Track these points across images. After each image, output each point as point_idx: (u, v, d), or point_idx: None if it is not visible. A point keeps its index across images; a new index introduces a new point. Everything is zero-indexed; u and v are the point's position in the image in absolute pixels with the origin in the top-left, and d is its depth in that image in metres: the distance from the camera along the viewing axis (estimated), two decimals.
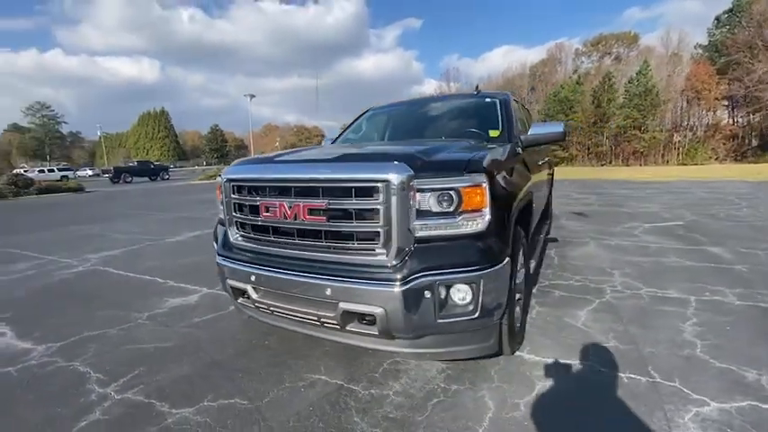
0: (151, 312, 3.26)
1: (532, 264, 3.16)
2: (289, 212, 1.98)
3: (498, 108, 3.25)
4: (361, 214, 1.84)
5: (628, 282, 3.68)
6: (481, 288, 1.80)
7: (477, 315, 1.83)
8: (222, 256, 2.32)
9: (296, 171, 2.07)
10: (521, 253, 2.43)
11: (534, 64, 50.30)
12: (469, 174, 1.82)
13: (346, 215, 1.87)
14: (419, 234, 1.80)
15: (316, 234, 1.96)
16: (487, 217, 1.84)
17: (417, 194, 1.78)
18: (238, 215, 2.25)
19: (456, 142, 2.54)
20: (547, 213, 5.22)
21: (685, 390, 2.02)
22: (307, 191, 1.95)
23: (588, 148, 36.33)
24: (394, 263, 1.80)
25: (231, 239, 2.33)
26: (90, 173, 48.09)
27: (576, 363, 2.30)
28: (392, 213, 1.78)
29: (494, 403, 1.95)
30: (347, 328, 1.91)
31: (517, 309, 2.56)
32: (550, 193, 5.46)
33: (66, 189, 18.81)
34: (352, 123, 4.00)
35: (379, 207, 1.79)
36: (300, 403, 2.00)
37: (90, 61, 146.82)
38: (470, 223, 1.81)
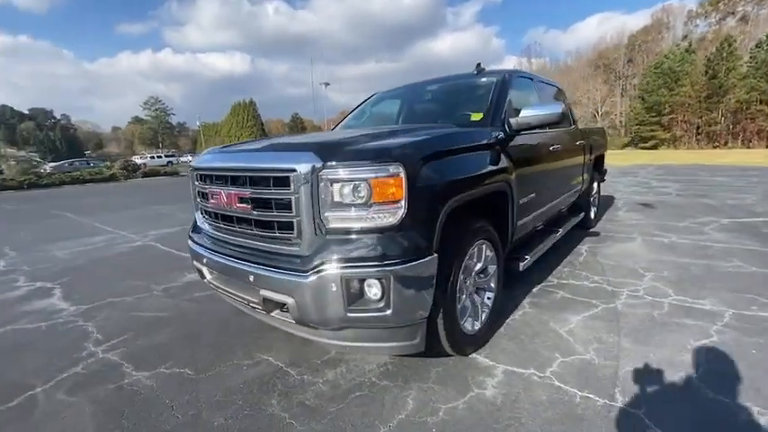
0: (167, 285, 3.68)
1: (528, 260, 2.87)
2: (225, 200, 2.07)
3: (491, 89, 2.95)
4: (278, 204, 1.85)
5: (656, 287, 3.16)
6: (391, 284, 1.70)
7: (389, 312, 1.74)
8: (190, 238, 2.52)
9: (229, 161, 2.14)
10: (477, 249, 2.23)
11: (634, 32, 44.17)
12: (381, 164, 1.70)
13: (266, 204, 1.90)
14: (331, 225, 1.76)
15: (247, 222, 2.02)
16: (403, 210, 1.71)
17: (328, 185, 1.73)
18: (199, 201, 2.41)
19: (404, 128, 2.38)
20: (582, 205, 4.67)
21: (648, 421, 1.70)
22: (237, 180, 2.02)
23: (697, 128, 31.17)
24: (306, 253, 1.79)
25: (198, 223, 2.52)
26: (190, 158, 54.75)
27: (529, 373, 2.07)
28: (302, 204, 1.76)
29: (414, 404, 1.86)
30: (272, 314, 1.96)
31: (484, 310, 2.39)
32: (590, 183, 4.85)
33: (164, 174, 21.79)
34: (355, 109, 3.96)
35: (291, 197, 1.78)
36: (236, 380, 2.12)
37: (193, 58, 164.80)
38: (383, 216, 1.71)
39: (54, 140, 70.97)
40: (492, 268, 2.46)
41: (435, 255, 1.82)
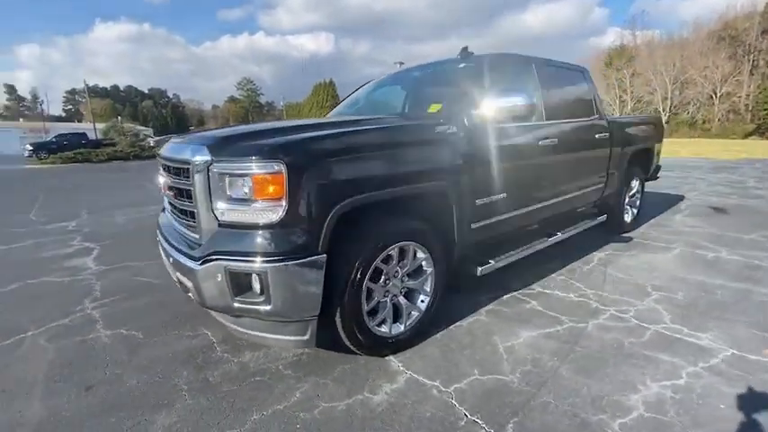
0: None
1: (491, 264, 2.66)
2: (163, 186, 2.25)
3: (458, 77, 2.70)
4: (185, 193, 1.97)
5: (654, 310, 2.71)
6: (269, 281, 1.72)
7: (269, 307, 1.77)
8: (158, 223, 2.79)
9: (165, 151, 2.28)
10: (399, 251, 2.13)
11: None
12: (263, 161, 1.70)
13: (180, 193, 2.03)
14: (222, 218, 1.82)
15: (172, 207, 2.19)
16: (283, 208, 1.71)
17: (218, 179, 1.79)
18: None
19: (319, 122, 2.27)
20: (608, 206, 4.11)
21: None
22: (168, 168, 2.18)
23: None
24: (202, 242, 1.89)
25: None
26: None
27: (431, 385, 1.96)
28: (198, 194, 1.85)
29: (300, 398, 1.89)
30: (188, 295, 2.12)
31: (413, 313, 2.30)
32: (623, 181, 4.22)
33: None
34: (349, 95, 3.90)
35: (189, 188, 1.88)
36: (170, 349, 2.35)
37: (282, 40, 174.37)
38: (264, 212, 1.73)
39: (166, 117, 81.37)
40: (428, 271, 2.33)
41: (323, 255, 1.79)
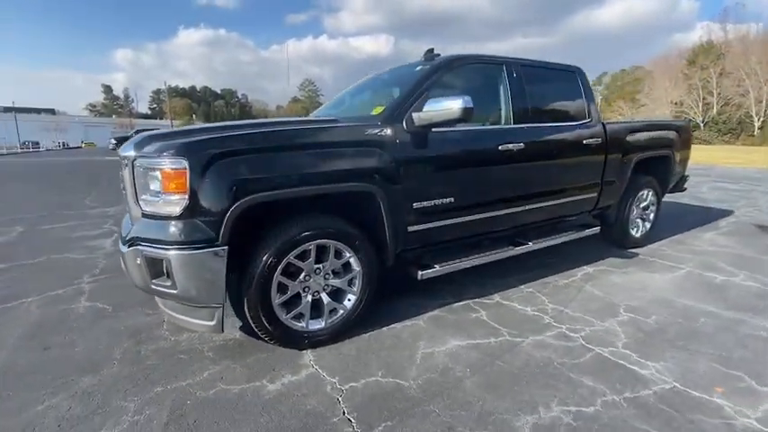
0: None
1: (434, 269, 2.63)
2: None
3: (410, 80, 2.68)
4: (128, 184, 2.19)
5: (611, 332, 2.50)
6: (172, 267, 1.89)
7: (176, 292, 1.94)
8: None
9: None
10: (318, 248, 2.19)
11: None
12: (170, 158, 1.87)
13: (124, 185, 2.27)
14: (144, 208, 2.02)
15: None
16: (185, 201, 1.86)
17: (139, 173, 1.99)
18: None
19: (240, 124, 2.35)
20: (609, 217, 3.82)
21: None
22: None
23: None
24: (133, 227, 2.11)
25: None
26: None
27: (329, 381, 2.00)
28: (127, 186, 2.07)
29: (206, 377, 2.03)
30: None
31: (337, 311, 2.36)
32: (628, 192, 3.87)
33: None
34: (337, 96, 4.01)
35: (127, 180, 2.11)
36: (125, 323, 2.62)
37: (344, 42, 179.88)
38: (170, 205, 1.89)
39: (234, 116, 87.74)
40: (355, 270, 2.37)
41: (223, 247, 1.92)
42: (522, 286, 3.24)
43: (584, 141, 3.34)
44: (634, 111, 50.18)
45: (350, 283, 2.39)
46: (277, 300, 2.13)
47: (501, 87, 2.97)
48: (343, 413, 1.78)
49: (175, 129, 2.33)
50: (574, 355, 2.24)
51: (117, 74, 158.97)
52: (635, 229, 4.19)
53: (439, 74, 2.71)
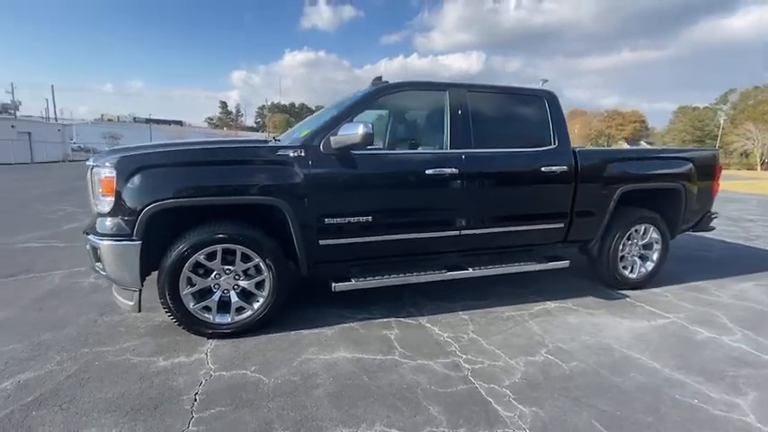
0: None
1: (350, 283, 2.79)
2: None
3: (350, 104, 2.89)
4: None
5: (507, 371, 2.38)
6: (102, 254, 2.38)
7: (106, 274, 2.43)
8: None
9: None
10: (225, 252, 2.52)
11: None
12: (105, 168, 2.38)
13: None
14: (93, 206, 2.57)
15: None
16: (112, 203, 2.35)
17: (93, 179, 2.53)
18: None
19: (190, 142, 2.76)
20: (594, 253, 3.54)
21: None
22: None
23: None
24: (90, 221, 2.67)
25: None
26: None
27: (208, 368, 2.29)
28: (88, 188, 2.64)
29: (124, 347, 2.47)
30: None
31: (244, 309, 2.66)
32: (614, 226, 3.52)
33: None
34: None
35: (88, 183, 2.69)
36: (105, 299, 3.25)
37: (433, 60, 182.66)
38: (104, 204, 2.39)
39: None
40: (264, 275, 2.65)
41: (137, 241, 2.36)
42: (462, 312, 3.18)
43: (543, 169, 3.17)
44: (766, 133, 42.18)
45: (258, 286, 2.67)
46: (185, 291, 2.51)
47: (441, 113, 3.02)
48: (195, 394, 2.06)
49: (126, 146, 2.88)
50: (446, 385, 2.21)
51: (232, 91, 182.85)
52: (630, 269, 3.75)
53: (367, 101, 2.89)
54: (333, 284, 2.79)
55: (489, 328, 2.92)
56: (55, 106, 45.49)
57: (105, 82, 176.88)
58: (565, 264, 3.43)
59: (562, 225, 3.36)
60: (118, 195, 2.35)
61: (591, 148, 3.86)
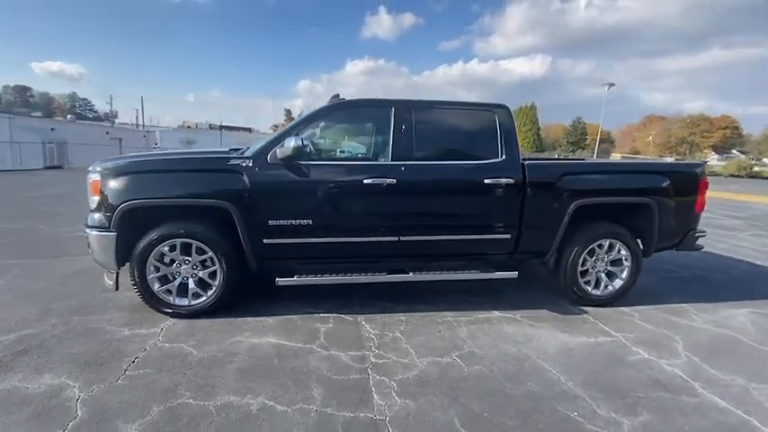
0: None
1: (292, 279, 3.16)
2: None
3: (302, 119, 3.26)
4: None
5: (408, 367, 2.57)
6: (89, 241, 2.99)
7: (94, 258, 3.04)
8: None
9: None
10: (181, 246, 3.01)
11: None
12: (93, 173, 2.98)
13: None
14: (89, 204, 3.19)
15: None
16: (97, 201, 2.94)
17: (88, 181, 3.15)
18: None
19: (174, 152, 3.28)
20: (560, 269, 3.55)
21: None
22: None
23: None
24: None
25: None
26: None
27: (157, 340, 2.78)
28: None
29: (101, 317, 3.06)
30: None
31: (200, 295, 3.14)
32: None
33: None
34: None
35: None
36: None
37: (494, 65, 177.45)
38: (92, 203, 3.00)
39: None
40: (216, 266, 3.10)
41: (113, 232, 2.92)
42: (403, 314, 3.38)
43: (487, 181, 3.27)
44: None
45: (212, 276, 3.13)
46: (151, 275, 3.03)
47: (386, 127, 3.27)
48: (135, 358, 2.54)
49: (117, 156, 3.51)
50: (342, 373, 2.46)
51: (296, 100, 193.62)
52: (594, 285, 3.65)
53: (315, 118, 3.24)
54: (277, 279, 3.16)
55: (419, 330, 3.10)
56: (143, 115, 51.98)
57: (188, 92, 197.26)
58: (513, 274, 3.46)
59: (509, 236, 3.41)
60: (102, 195, 2.94)
61: (544, 160, 3.81)
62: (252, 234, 3.07)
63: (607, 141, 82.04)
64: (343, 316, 3.30)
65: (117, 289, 3.16)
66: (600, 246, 3.58)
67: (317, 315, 3.29)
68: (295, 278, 3.18)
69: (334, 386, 2.32)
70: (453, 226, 3.35)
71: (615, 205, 3.58)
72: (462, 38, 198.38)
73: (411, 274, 3.32)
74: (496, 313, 3.46)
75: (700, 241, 3.92)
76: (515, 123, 3.48)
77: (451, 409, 2.15)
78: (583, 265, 3.59)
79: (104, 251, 2.98)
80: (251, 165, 3.04)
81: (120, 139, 30.61)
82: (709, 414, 2.19)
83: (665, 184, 3.58)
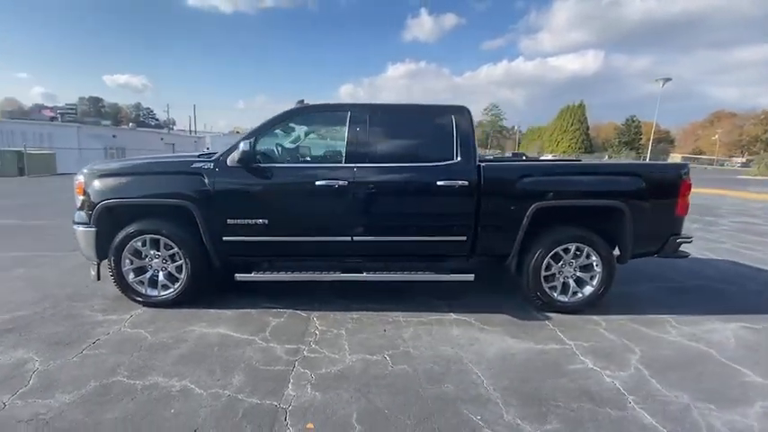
0: None
1: (250, 275, 3.38)
2: None
3: (257, 126, 3.45)
4: None
5: (334, 362, 2.66)
6: (76, 236, 3.39)
7: (81, 250, 3.44)
8: None
9: None
10: (150, 241, 3.32)
11: None
12: (78, 176, 3.37)
13: None
14: (76, 203, 3.59)
15: None
16: (81, 200, 3.33)
17: (75, 182, 3.56)
18: None
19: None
20: (525, 275, 3.50)
21: None
22: None
23: None
24: None
25: None
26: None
27: (126, 327, 3.09)
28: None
29: (86, 304, 3.44)
30: None
31: (167, 287, 3.44)
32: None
33: None
34: None
35: None
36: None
37: (541, 63, 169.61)
38: (78, 202, 3.39)
39: None
40: (182, 261, 3.37)
41: (93, 227, 3.29)
42: (356, 312, 3.46)
43: (440, 183, 3.27)
44: None
45: (179, 270, 3.41)
46: (125, 267, 3.37)
47: (342, 130, 3.39)
48: (97, 340, 2.85)
49: (100, 161, 3.89)
50: (269, 364, 2.61)
51: None
52: (560, 291, 3.51)
53: (279, 122, 3.43)
54: (236, 275, 3.38)
55: (365, 328, 3.17)
56: (195, 121, 55.99)
57: (238, 99, 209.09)
58: (469, 277, 3.43)
59: (465, 238, 3.38)
60: (85, 195, 3.33)
61: (503, 162, 3.71)
62: (212, 232, 3.31)
63: (666, 141, 75.91)
64: (298, 312, 3.44)
65: (99, 279, 3.53)
66: (566, 250, 3.44)
67: (275, 310, 3.46)
68: (252, 274, 3.38)
69: (257, 375, 2.47)
70: (406, 227, 3.39)
71: (582, 208, 3.42)
72: (507, 36, 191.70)
73: (364, 274, 3.40)
74: (452, 315, 3.44)
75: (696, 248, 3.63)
76: (473, 125, 3.46)
77: (355, 404, 2.22)
78: (548, 269, 3.47)
79: (87, 245, 3.36)
80: (212, 167, 3.29)
81: (173, 145, 33.15)
82: (626, 429, 2.08)
83: (638, 187, 3.37)
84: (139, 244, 3.35)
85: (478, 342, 2.99)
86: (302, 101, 3.75)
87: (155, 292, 3.43)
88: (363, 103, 3.44)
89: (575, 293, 3.52)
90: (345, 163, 3.32)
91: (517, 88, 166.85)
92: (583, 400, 2.31)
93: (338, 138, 3.48)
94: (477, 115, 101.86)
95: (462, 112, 3.45)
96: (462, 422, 2.10)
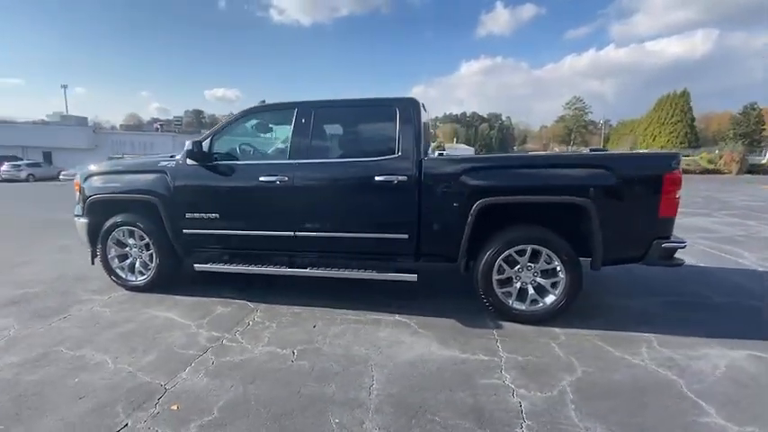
0: None
1: (206, 266, 3.64)
2: None
3: (215, 127, 3.67)
4: None
5: (245, 351, 2.75)
6: (76, 226, 3.97)
7: (80, 238, 4.03)
8: None
9: None
10: (127, 232, 3.75)
11: None
12: (78, 174, 3.94)
13: None
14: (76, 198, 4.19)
15: None
16: (79, 196, 3.89)
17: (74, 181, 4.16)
18: None
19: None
20: (480, 279, 3.30)
21: None
22: None
23: None
24: None
25: None
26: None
27: (100, 308, 3.53)
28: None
29: (86, 287, 4.00)
30: None
31: (143, 274, 3.85)
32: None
33: None
34: None
35: None
36: None
37: (636, 49, 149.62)
38: (76, 196, 3.97)
39: (491, 138, 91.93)
40: (152, 250, 3.75)
41: (85, 218, 3.82)
42: (299, 306, 3.49)
43: (378, 178, 3.16)
44: None
45: (151, 258, 3.79)
46: (110, 255, 3.85)
47: (288, 128, 3.46)
48: (68, 315, 3.31)
49: (96, 162, 4.46)
50: (187, 348, 2.78)
51: None
52: (515, 297, 3.16)
53: (234, 121, 3.63)
54: (195, 265, 3.66)
55: (298, 323, 3.20)
56: None
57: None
58: (412, 277, 3.25)
59: (407, 236, 3.22)
60: (81, 191, 3.88)
61: (446, 155, 3.38)
62: (174, 225, 3.63)
63: None
64: (248, 303, 3.60)
65: (93, 263, 4.07)
66: (520, 253, 3.08)
67: (229, 300, 3.66)
68: (209, 265, 3.62)
69: (169, 357, 2.65)
70: (346, 223, 3.34)
71: (538, 206, 3.04)
72: (594, 23, 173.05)
73: (308, 269, 3.43)
74: (395, 317, 3.30)
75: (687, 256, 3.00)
76: (420, 117, 3.27)
77: (231, 393, 2.27)
78: (500, 272, 3.14)
79: (81, 233, 3.91)
80: (173, 165, 3.61)
81: (184, 144, 36.88)
82: None
83: (606, 182, 2.88)
84: (121, 234, 3.81)
85: (399, 345, 2.83)
86: (263, 101, 3.92)
87: (133, 278, 3.87)
88: (310, 101, 3.46)
89: (534, 301, 3.13)
90: (288, 159, 3.39)
91: (607, 78, 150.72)
92: (468, 419, 2.07)
93: (285, 135, 3.56)
94: (559, 110, 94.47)
95: (406, 104, 3.28)
96: (317, 423, 2.02)
